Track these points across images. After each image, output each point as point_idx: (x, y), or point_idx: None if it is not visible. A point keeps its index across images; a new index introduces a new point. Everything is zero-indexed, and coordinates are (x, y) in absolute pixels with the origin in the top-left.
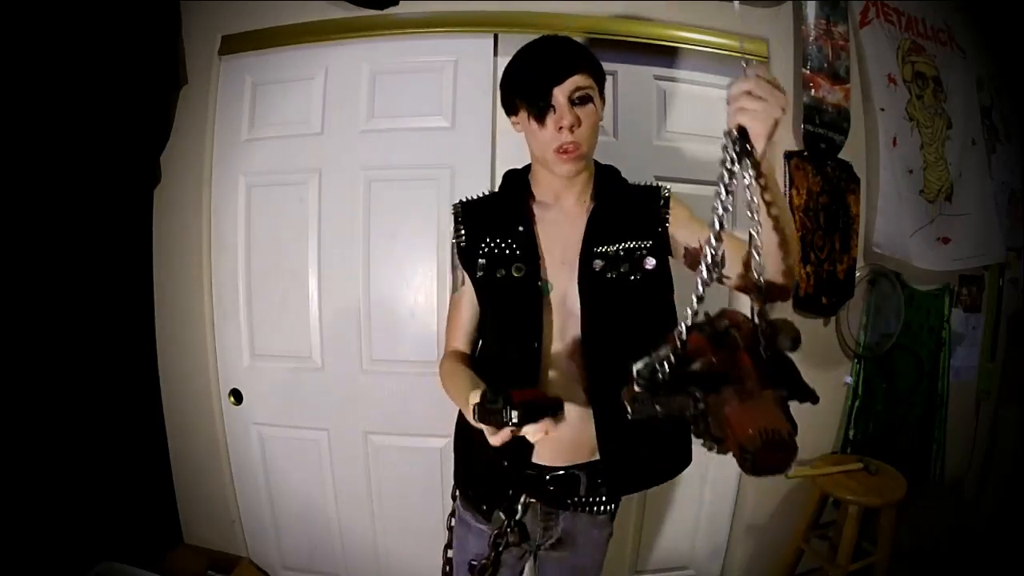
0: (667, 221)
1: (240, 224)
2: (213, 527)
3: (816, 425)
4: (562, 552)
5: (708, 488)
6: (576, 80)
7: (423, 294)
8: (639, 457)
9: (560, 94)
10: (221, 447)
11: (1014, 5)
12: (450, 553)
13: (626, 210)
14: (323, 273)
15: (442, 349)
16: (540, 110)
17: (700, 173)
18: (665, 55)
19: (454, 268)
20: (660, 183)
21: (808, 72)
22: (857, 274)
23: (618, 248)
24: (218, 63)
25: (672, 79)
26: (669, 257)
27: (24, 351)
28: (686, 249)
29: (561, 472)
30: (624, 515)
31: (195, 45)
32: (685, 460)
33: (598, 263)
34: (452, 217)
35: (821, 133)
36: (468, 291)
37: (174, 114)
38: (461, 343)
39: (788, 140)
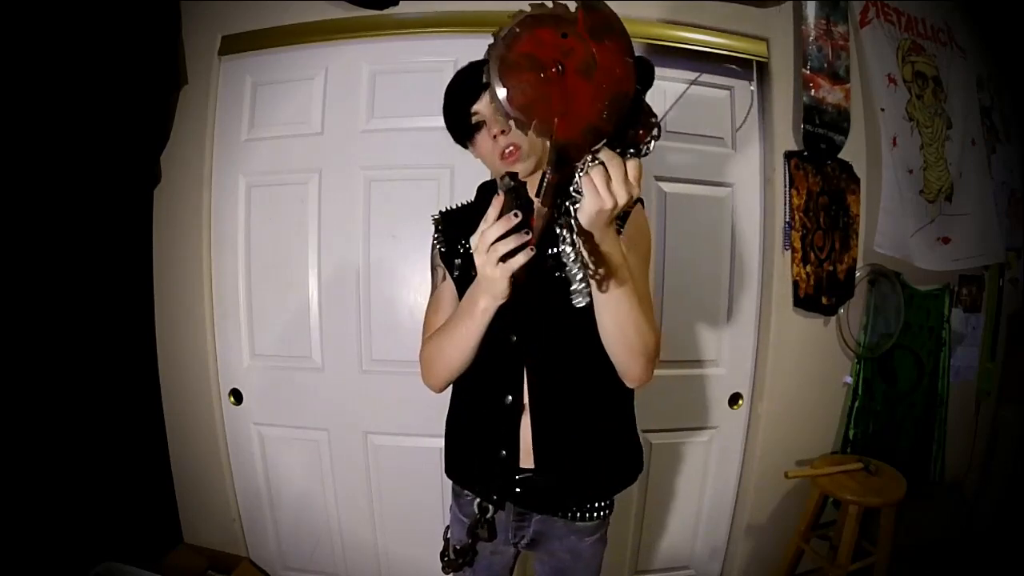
0: (620, 230)
1: (240, 224)
2: (213, 527)
3: (816, 425)
4: (542, 553)
5: (708, 488)
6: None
7: (423, 294)
8: (571, 467)
9: (482, 108)
10: (221, 447)
11: (1014, 5)
12: (449, 534)
13: None
14: (323, 273)
15: None
16: (469, 130)
17: (700, 173)
18: (665, 55)
19: (434, 269)
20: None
21: (808, 72)
22: (857, 274)
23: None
24: (218, 63)
25: (672, 79)
26: None
27: (24, 351)
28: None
29: (527, 474)
30: (624, 515)
31: (195, 45)
32: (629, 476)
33: (549, 261)
34: (433, 225)
35: (821, 133)
36: (448, 287)
37: (174, 114)
38: None
39: (788, 140)
